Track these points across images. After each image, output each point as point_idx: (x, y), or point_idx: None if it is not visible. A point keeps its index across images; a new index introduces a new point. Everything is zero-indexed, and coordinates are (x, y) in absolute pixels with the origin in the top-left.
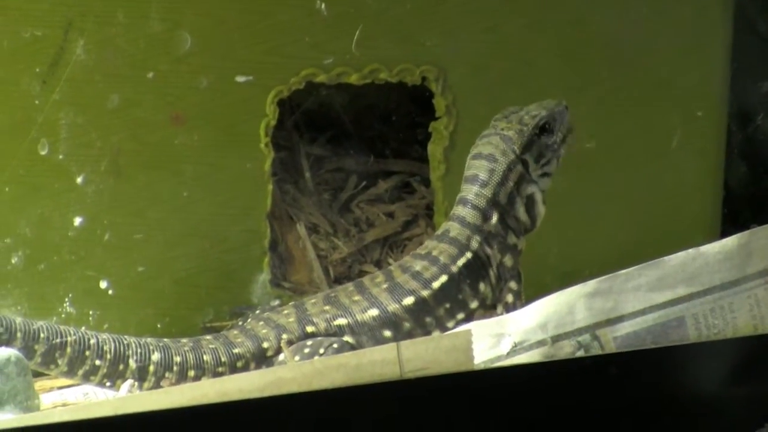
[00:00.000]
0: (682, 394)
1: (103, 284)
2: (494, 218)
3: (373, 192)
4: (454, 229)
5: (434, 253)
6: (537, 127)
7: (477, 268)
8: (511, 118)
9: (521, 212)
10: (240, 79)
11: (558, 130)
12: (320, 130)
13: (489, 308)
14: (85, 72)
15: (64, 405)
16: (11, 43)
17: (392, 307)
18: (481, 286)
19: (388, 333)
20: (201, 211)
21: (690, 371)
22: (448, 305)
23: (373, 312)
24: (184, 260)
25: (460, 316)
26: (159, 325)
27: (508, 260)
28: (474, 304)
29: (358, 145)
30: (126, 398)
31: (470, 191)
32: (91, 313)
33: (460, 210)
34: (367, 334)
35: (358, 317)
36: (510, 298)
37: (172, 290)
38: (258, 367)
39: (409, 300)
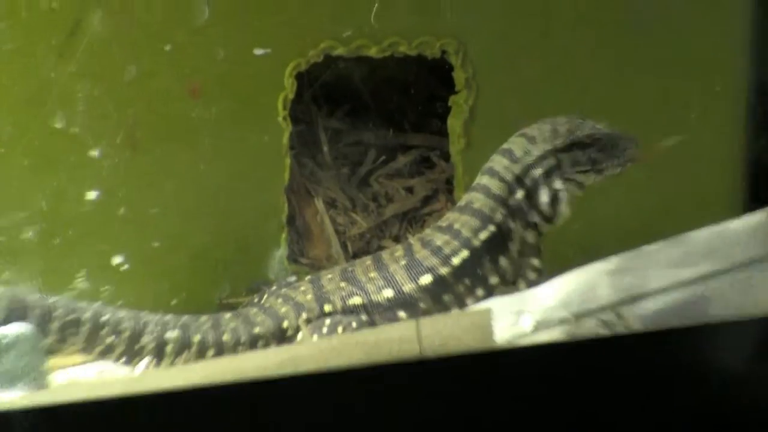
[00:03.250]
0: (710, 374)
1: (118, 259)
2: (519, 194)
3: (392, 166)
4: (477, 200)
5: (456, 225)
6: (590, 137)
7: (499, 242)
8: (575, 121)
9: (544, 200)
10: (258, 51)
11: (613, 154)
12: (338, 103)
13: (509, 284)
14: (102, 43)
15: (78, 383)
16: (28, 15)
17: (408, 287)
18: (502, 261)
19: (402, 314)
20: (218, 184)
21: (716, 350)
22: (467, 281)
23: (388, 292)
24: (201, 235)
25: (480, 292)
26: (174, 301)
27: (530, 236)
28: (494, 280)
29: (376, 119)
30: (141, 376)
31: (500, 163)
32: (105, 288)
33: (485, 180)
34: (381, 314)
35: (373, 297)
36: (532, 275)
37: (188, 265)
38: (278, 346)
39: (426, 279)
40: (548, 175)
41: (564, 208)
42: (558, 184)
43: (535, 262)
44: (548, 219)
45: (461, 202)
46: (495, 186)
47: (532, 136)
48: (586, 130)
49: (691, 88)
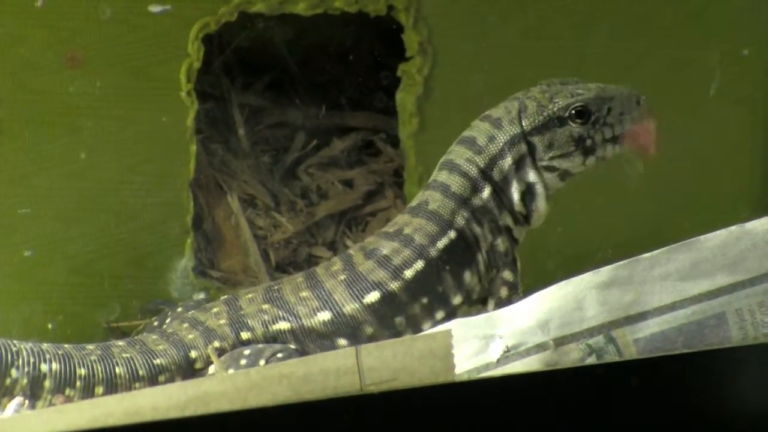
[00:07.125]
0: (722, 411)
1: None
2: (486, 192)
3: (327, 154)
4: (434, 200)
5: (407, 231)
6: (565, 109)
7: (462, 252)
8: (551, 89)
9: (515, 198)
10: (154, 8)
11: (603, 120)
12: (258, 73)
13: (475, 304)
14: None
15: None
16: None
17: (350, 307)
18: (467, 276)
19: (343, 341)
20: (104, 178)
21: (732, 382)
22: (425, 300)
23: (324, 315)
24: (83, 242)
25: (440, 314)
26: (50, 326)
27: (501, 244)
28: (457, 299)
29: (305, 94)
30: (9, 420)
31: (461, 155)
32: None
33: (444, 176)
34: (315, 342)
35: (305, 322)
36: (504, 291)
37: (67, 280)
38: (184, 381)
39: (373, 297)
40: (520, 166)
41: (541, 205)
42: (532, 176)
43: (508, 275)
44: (523, 220)
45: (413, 203)
46: (455, 183)
47: (497, 118)
48: (563, 100)
49: (710, 56)
